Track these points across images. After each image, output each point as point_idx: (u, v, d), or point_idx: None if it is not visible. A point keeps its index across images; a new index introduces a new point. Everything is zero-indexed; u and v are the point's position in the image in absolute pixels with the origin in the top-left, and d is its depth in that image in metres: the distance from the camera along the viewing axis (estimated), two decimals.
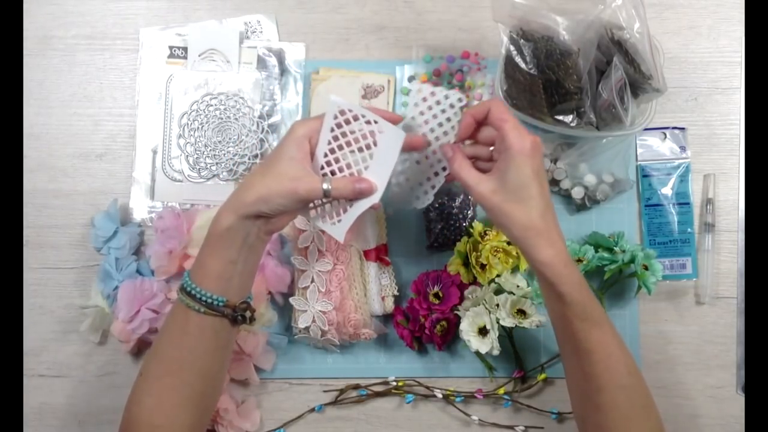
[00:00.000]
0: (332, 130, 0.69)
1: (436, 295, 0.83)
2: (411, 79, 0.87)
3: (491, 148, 0.71)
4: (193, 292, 0.68)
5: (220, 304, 0.68)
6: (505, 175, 0.66)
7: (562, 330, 0.68)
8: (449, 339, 0.84)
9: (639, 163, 0.88)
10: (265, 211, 0.67)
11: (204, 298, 0.68)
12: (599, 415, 0.68)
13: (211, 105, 0.86)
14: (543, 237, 0.65)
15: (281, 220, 0.70)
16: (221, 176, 0.86)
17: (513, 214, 0.65)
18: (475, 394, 0.85)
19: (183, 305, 0.68)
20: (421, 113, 0.71)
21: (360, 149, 0.69)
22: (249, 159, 0.86)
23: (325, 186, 0.67)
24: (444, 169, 0.74)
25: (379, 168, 0.69)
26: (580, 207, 0.87)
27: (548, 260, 0.65)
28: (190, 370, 0.69)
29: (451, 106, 0.70)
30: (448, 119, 0.71)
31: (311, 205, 0.72)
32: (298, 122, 0.70)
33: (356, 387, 0.86)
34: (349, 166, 0.70)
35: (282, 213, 0.68)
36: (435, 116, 0.71)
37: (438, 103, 0.70)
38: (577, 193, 0.86)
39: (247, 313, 0.71)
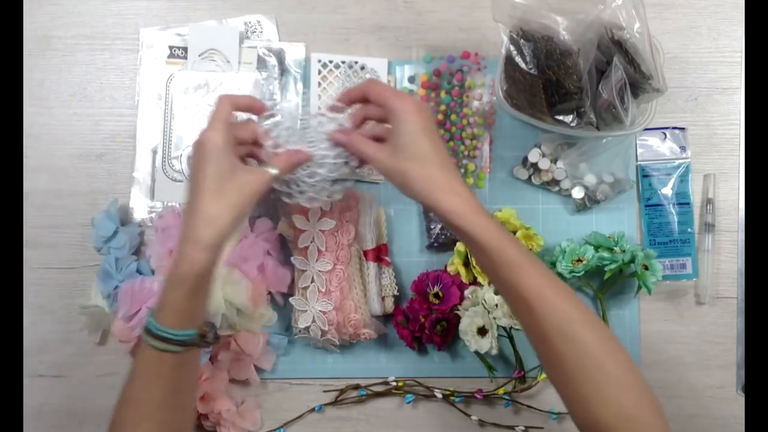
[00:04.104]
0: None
1: (436, 295, 0.83)
2: (411, 79, 0.87)
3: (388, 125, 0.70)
4: (167, 335, 0.65)
5: (194, 337, 0.67)
6: (397, 137, 0.67)
7: (498, 284, 0.66)
8: (449, 339, 0.84)
9: (639, 163, 0.88)
10: (229, 233, 0.66)
11: (179, 338, 0.66)
12: (554, 372, 0.64)
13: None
14: (445, 187, 0.66)
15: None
16: None
17: (411, 171, 0.66)
18: (475, 394, 0.85)
19: (154, 350, 0.66)
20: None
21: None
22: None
23: (272, 171, 0.69)
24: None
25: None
26: (580, 207, 0.87)
27: (454, 208, 0.65)
28: (167, 409, 0.68)
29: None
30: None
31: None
32: (206, 132, 0.67)
33: (356, 387, 0.86)
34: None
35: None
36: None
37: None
38: (577, 193, 0.86)
39: (211, 333, 0.69)
